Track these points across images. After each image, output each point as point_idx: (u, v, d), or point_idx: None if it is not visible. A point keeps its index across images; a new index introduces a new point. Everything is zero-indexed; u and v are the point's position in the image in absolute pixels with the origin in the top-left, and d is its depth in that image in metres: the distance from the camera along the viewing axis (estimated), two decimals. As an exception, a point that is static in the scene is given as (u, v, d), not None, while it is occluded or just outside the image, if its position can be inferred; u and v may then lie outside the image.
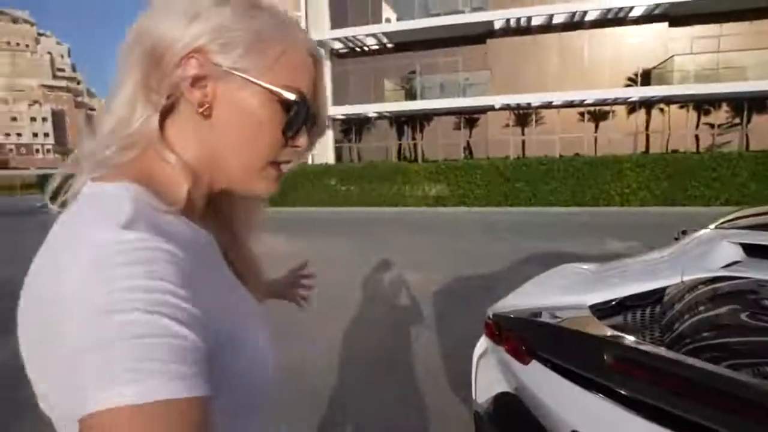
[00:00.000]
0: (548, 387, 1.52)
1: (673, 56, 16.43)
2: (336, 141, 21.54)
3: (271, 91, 0.53)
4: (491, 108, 18.74)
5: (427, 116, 20.61)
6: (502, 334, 1.78)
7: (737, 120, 18.13)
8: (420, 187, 13.45)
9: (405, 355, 3.50)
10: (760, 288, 1.79)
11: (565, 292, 1.97)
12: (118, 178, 0.49)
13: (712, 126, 18.13)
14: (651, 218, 10.01)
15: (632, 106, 18.16)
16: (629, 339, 1.51)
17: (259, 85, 0.53)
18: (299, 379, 3.12)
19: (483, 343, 1.98)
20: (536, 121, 19.19)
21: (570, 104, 18.03)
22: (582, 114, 18.69)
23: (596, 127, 18.52)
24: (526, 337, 1.64)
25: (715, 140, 17.82)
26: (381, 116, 20.90)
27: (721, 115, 18.41)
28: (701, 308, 1.72)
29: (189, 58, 0.50)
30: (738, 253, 2.12)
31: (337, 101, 20.20)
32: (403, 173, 13.63)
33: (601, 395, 1.38)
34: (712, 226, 2.50)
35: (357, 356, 3.52)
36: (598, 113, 18.86)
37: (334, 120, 21.01)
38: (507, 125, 19.05)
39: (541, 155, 13.53)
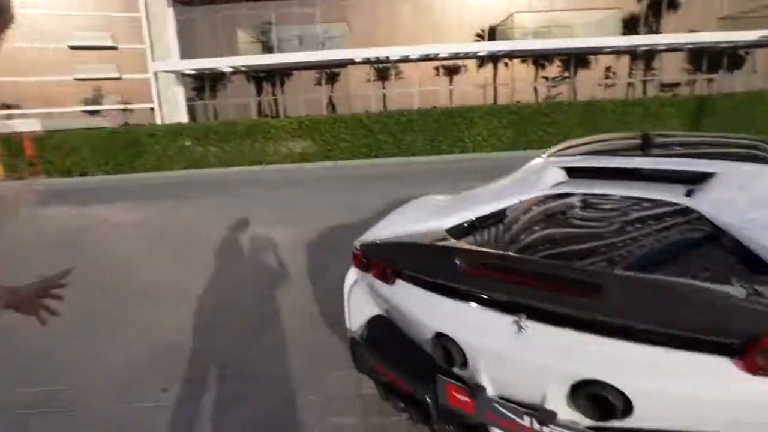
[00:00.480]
0: (413, 300, 1.65)
1: (513, 14, 17.98)
2: (188, 99, 19.74)
3: None
4: (351, 62, 18.75)
5: (286, 71, 19.89)
6: (369, 261, 1.88)
7: (566, 74, 20.79)
8: (284, 144, 13.12)
9: (284, 305, 3.52)
10: (577, 200, 2.16)
11: (424, 220, 2.13)
12: None
13: (547, 78, 20.52)
14: (500, 162, 11.18)
15: (481, 61, 19.65)
16: (479, 249, 1.78)
17: None
18: (182, 341, 2.98)
19: (352, 274, 2.07)
20: (396, 76, 19.76)
21: (426, 58, 18.84)
22: (437, 68, 19.69)
23: (451, 80, 19.74)
24: (391, 260, 1.76)
25: (549, 92, 20.26)
26: (237, 71, 19.59)
27: (554, 69, 20.90)
28: (535, 218, 2.04)
29: None
30: (562, 176, 2.50)
31: (186, 54, 18.39)
32: (265, 130, 13.12)
33: (457, 299, 1.56)
34: (543, 156, 2.90)
35: (237, 313, 3.44)
36: (452, 68, 20.06)
37: (185, 75, 19.15)
38: (368, 80, 19.30)
39: (402, 109, 14.08)
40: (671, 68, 21.32)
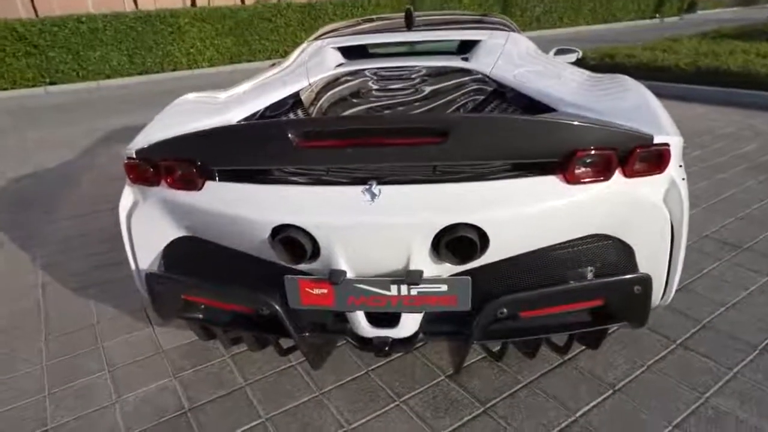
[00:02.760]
0: (235, 201, 1.53)
1: None
2: None
3: None
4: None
5: None
6: (158, 168, 1.63)
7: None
8: None
9: None
10: (370, 75, 2.31)
11: (206, 116, 1.93)
12: None
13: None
14: (223, 78, 10.73)
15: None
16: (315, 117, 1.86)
17: None
18: None
19: (129, 194, 1.77)
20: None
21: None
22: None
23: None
24: (196, 157, 1.56)
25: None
26: None
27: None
28: (335, 97, 2.11)
29: None
30: (339, 56, 2.62)
31: None
32: None
33: (298, 181, 1.54)
34: (306, 42, 2.96)
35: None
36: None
37: None
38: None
39: (64, 14, 11.57)
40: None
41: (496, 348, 1.99)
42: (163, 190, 1.66)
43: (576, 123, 1.44)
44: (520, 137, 1.43)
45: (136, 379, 2.02)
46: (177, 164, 1.60)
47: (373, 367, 2.01)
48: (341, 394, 1.88)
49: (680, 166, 1.63)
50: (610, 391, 1.82)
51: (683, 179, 1.60)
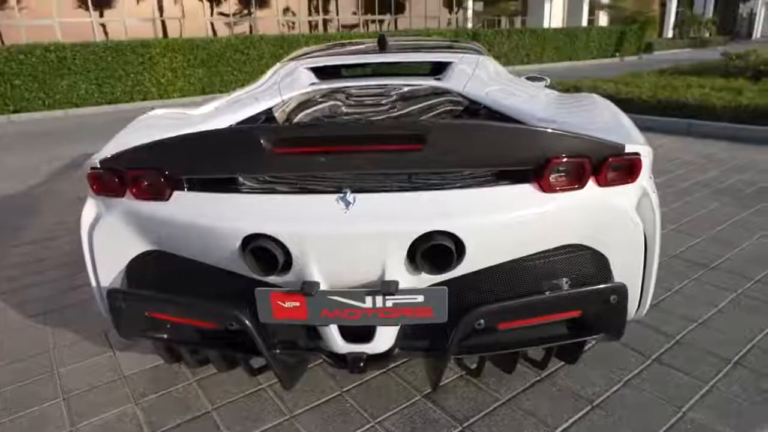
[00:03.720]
0: (205, 210, 1.48)
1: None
2: None
3: None
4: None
5: None
6: (124, 178, 1.56)
7: (246, 11, 21.11)
8: None
9: None
10: (341, 95, 2.32)
11: (174, 130, 1.89)
12: None
13: (227, 15, 20.37)
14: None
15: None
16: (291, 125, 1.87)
17: None
18: None
19: (91, 207, 1.69)
20: (18, 3, 16.09)
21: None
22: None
23: (101, 12, 17.33)
24: (164, 166, 1.51)
25: (232, 28, 20.18)
26: None
27: (233, 5, 20.88)
28: (303, 111, 2.11)
29: None
30: (313, 76, 2.63)
31: None
32: None
33: (272, 189, 1.52)
34: (279, 63, 2.97)
35: None
36: (102, -4, 17.57)
37: None
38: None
39: (46, 42, 11.43)
40: (348, 11, 24.08)
41: (474, 364, 1.95)
42: (128, 202, 1.59)
43: (550, 131, 1.45)
44: (496, 144, 1.43)
45: (93, 407, 1.90)
46: (144, 173, 1.54)
47: (347, 388, 1.94)
48: (313, 417, 1.80)
49: (651, 177, 1.65)
50: (589, 407, 1.79)
51: (654, 191, 1.62)
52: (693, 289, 2.57)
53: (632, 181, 1.52)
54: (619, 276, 1.58)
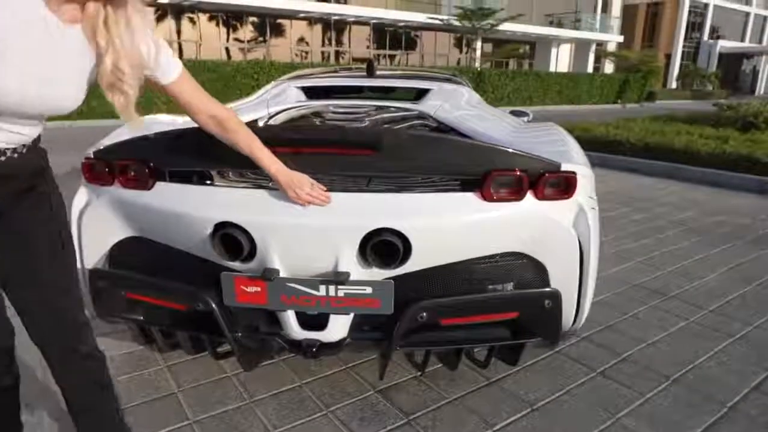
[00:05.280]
0: (182, 200, 1.65)
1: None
2: None
3: None
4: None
5: None
6: (114, 167, 1.74)
7: (261, 38, 21.73)
8: None
9: None
10: (319, 108, 2.52)
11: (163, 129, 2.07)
12: None
13: (241, 41, 21.00)
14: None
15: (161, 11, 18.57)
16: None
17: None
18: None
19: (83, 193, 1.86)
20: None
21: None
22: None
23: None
24: (150, 158, 1.68)
25: (246, 54, 20.78)
26: None
27: (248, 32, 21.54)
28: (286, 120, 2.31)
29: None
30: (302, 95, 2.83)
31: None
32: None
33: (242, 182, 1.69)
34: (273, 83, 3.18)
35: None
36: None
37: None
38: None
39: None
40: (361, 45, 24.77)
41: (420, 359, 2.08)
42: (115, 190, 1.76)
43: (494, 146, 1.63)
44: (443, 154, 1.60)
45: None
46: (131, 164, 1.72)
47: (306, 380, 2.06)
48: (271, 403, 1.92)
49: (591, 197, 1.82)
50: (528, 410, 1.91)
51: (593, 209, 1.79)
52: (648, 315, 2.70)
53: (568, 197, 1.69)
54: (555, 284, 1.73)
